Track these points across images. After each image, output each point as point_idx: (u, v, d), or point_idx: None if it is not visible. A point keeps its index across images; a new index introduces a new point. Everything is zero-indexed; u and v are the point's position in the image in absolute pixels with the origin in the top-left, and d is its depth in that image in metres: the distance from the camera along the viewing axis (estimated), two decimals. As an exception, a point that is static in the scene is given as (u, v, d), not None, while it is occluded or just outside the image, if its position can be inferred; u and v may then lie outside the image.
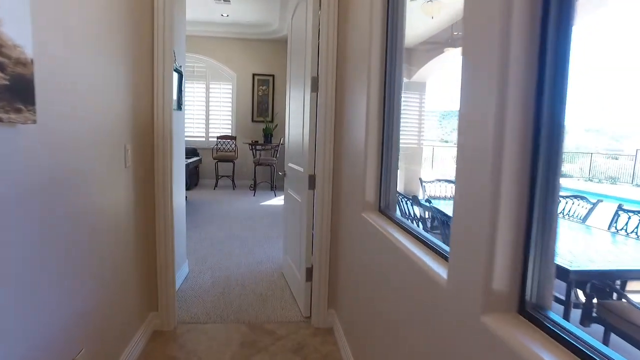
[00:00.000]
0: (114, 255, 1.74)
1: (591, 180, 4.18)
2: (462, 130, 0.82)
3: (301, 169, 2.45)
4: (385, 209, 1.66)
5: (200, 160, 6.44)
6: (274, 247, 3.89)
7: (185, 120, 8.20)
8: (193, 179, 7.32)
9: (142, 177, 2.08)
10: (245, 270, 3.23)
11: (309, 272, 2.38)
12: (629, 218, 2.51)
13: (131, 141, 1.91)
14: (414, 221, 2.98)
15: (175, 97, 2.52)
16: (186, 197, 6.30)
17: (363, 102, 1.70)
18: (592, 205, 2.89)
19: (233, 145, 7.74)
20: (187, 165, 5.44)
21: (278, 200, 6.44)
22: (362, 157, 1.70)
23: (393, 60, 1.59)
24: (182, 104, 2.77)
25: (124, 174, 1.83)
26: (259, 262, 3.45)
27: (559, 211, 0.78)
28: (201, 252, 3.66)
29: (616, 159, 4.08)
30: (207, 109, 7.84)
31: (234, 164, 7.57)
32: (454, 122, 1.24)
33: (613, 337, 1.62)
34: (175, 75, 2.59)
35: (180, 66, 2.70)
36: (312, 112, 2.25)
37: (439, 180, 3.85)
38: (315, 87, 2.23)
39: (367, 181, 1.68)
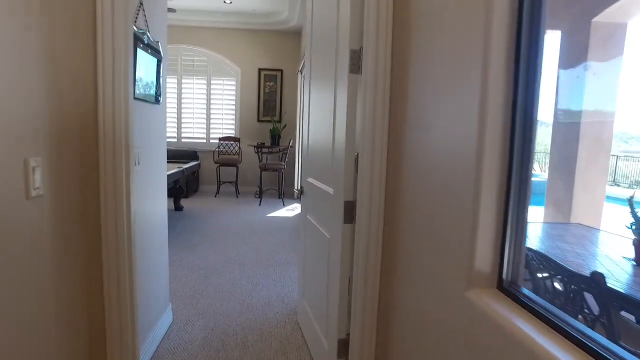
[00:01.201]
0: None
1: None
2: None
3: (330, 190, 1.66)
4: (513, 286, 0.87)
5: (199, 165, 5.68)
6: (284, 278, 3.10)
7: (183, 120, 7.49)
8: (192, 185, 6.56)
9: (74, 210, 1.30)
10: (248, 318, 2.44)
11: (343, 346, 1.58)
12: None
13: (47, 151, 1.12)
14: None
15: (139, 81, 1.74)
16: (182, 206, 5.56)
17: (468, 83, 0.90)
18: None
19: (236, 148, 6.97)
20: (183, 172, 4.68)
21: (287, 211, 5.65)
22: (468, 178, 0.90)
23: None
24: (160, 96, 1.99)
25: (25, 209, 1.04)
26: (265, 303, 2.65)
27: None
28: (191, 288, 2.87)
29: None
30: (208, 108, 7.08)
31: (237, 168, 6.79)
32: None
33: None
34: (150, 59, 1.81)
35: (158, 43, 1.92)
36: (352, 105, 1.45)
37: None
38: (355, 65, 1.44)
39: (478, 226, 0.88)
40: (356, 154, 1.46)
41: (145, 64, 1.76)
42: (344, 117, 1.47)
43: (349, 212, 1.49)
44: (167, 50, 2.10)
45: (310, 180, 2.03)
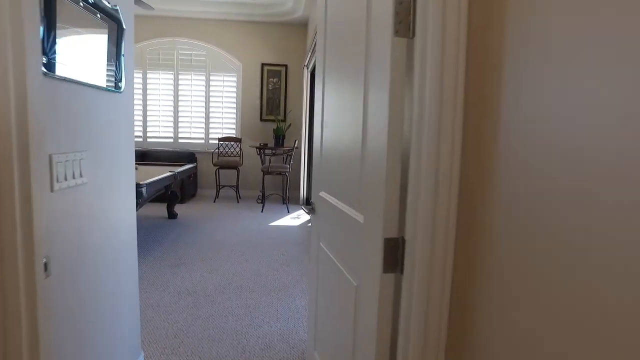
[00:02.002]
0: None
1: None
2: None
3: (357, 216, 1.12)
4: None
5: (195, 167, 5.16)
6: (289, 308, 2.56)
7: (180, 120, 6.92)
8: (189, 189, 6.05)
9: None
10: (243, 368, 1.91)
11: None
12: None
13: None
14: None
15: (68, 54, 1.22)
16: (176, 213, 5.04)
17: None
18: None
19: (237, 149, 6.45)
20: (175, 176, 4.16)
21: (291, 219, 5.12)
22: None
23: None
24: (121, 81, 1.46)
25: None
26: (266, 346, 2.12)
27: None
28: (174, 324, 2.34)
29: None
30: (207, 106, 6.57)
31: (238, 171, 6.27)
32: None
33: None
34: (97, 26, 1.28)
35: (117, 8, 1.39)
36: (397, 87, 0.91)
37: None
38: (404, 23, 0.89)
39: None
40: (397, 161, 0.92)
41: (88, 31, 1.24)
42: (384, 109, 0.93)
43: (392, 254, 0.95)
44: (132, 24, 1.57)
45: (324, 195, 1.49)
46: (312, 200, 1.68)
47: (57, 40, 1.04)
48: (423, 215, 0.85)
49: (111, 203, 1.43)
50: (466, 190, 0.84)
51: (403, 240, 0.93)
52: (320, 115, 1.57)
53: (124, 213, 1.55)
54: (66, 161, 1.11)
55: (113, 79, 1.42)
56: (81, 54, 1.19)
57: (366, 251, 1.04)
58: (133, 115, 1.62)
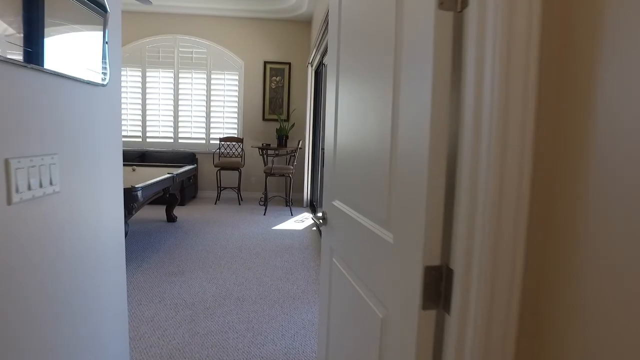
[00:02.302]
0: None
1: None
2: None
3: (384, 234, 0.92)
4: None
5: (195, 169, 4.97)
6: (294, 323, 2.37)
7: (181, 119, 6.65)
8: (189, 191, 5.87)
9: None
10: (245, 395, 1.71)
11: None
12: None
13: None
14: None
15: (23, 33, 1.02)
16: (175, 217, 4.85)
17: None
18: None
19: (239, 150, 6.26)
20: (174, 178, 3.97)
21: (295, 223, 4.92)
22: None
23: None
24: (106, 71, 1.27)
25: None
26: (270, 367, 1.92)
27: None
28: (169, 342, 2.14)
29: None
30: (208, 105, 6.38)
31: (240, 172, 6.08)
32: None
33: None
34: (70, 6, 1.09)
35: (100, -13, 1.20)
36: (441, 80, 0.70)
37: None
38: (452, -10, 0.69)
39: None
40: (442, 164, 0.72)
41: (62, 13, 1.04)
42: (423, 105, 0.73)
43: (434, 287, 0.75)
44: (119, 8, 1.37)
45: (338, 205, 1.29)
46: (323, 209, 1.48)
47: (22, 20, 0.84)
48: (481, 240, 0.65)
49: (92, 213, 1.24)
50: (542, 206, 0.64)
51: (449, 270, 0.73)
52: (333, 115, 1.37)
53: (108, 223, 1.36)
54: (31, 167, 0.91)
55: (95, 71, 1.23)
56: (54, 40, 1.00)
57: (397, 279, 0.84)
58: (120, 112, 1.43)
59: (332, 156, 1.38)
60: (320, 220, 1.44)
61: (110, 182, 1.37)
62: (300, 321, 2.39)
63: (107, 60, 1.28)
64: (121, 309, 1.47)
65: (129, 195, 2.91)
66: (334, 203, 1.35)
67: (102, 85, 1.27)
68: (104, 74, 1.27)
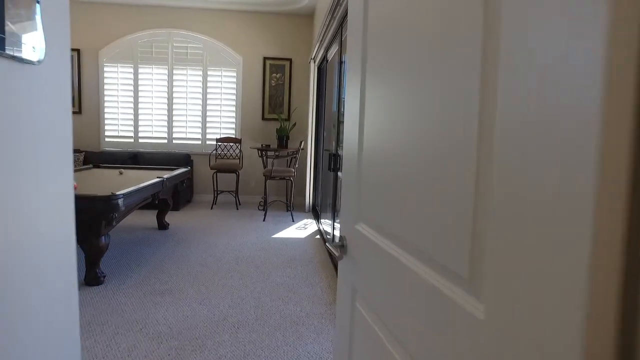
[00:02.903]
0: None
1: None
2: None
3: (469, 302, 0.55)
4: None
5: (189, 172, 4.60)
6: (300, 357, 1.99)
7: (175, 118, 6.13)
8: (184, 195, 5.49)
9: None
10: None
11: None
12: None
13: None
14: None
15: None
16: (167, 224, 4.46)
17: None
18: None
19: (237, 151, 5.89)
20: (163, 182, 3.60)
21: (297, 230, 4.56)
22: None
23: None
24: (35, 47, 0.90)
25: None
26: (270, 422, 1.54)
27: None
28: (151, 382, 1.76)
29: None
30: (204, 103, 6.02)
31: (237, 175, 5.71)
32: None
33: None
34: None
35: None
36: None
37: None
38: None
39: None
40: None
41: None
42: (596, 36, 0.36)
43: None
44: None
45: (365, 232, 0.92)
46: (342, 233, 1.11)
47: None
48: None
49: (17, 226, 0.87)
50: None
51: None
52: (358, 115, 1.00)
53: (44, 238, 0.99)
54: None
55: (22, 44, 0.86)
56: None
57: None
58: (69, 98, 1.06)
59: (354, 165, 1.02)
60: (338, 250, 1.07)
61: (51, 186, 1.00)
62: (305, 354, 2.02)
63: (41, 30, 0.91)
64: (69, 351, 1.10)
65: (108, 203, 2.54)
66: (358, 227, 0.98)
67: (32, 63, 0.90)
68: (35, 47, 0.90)
